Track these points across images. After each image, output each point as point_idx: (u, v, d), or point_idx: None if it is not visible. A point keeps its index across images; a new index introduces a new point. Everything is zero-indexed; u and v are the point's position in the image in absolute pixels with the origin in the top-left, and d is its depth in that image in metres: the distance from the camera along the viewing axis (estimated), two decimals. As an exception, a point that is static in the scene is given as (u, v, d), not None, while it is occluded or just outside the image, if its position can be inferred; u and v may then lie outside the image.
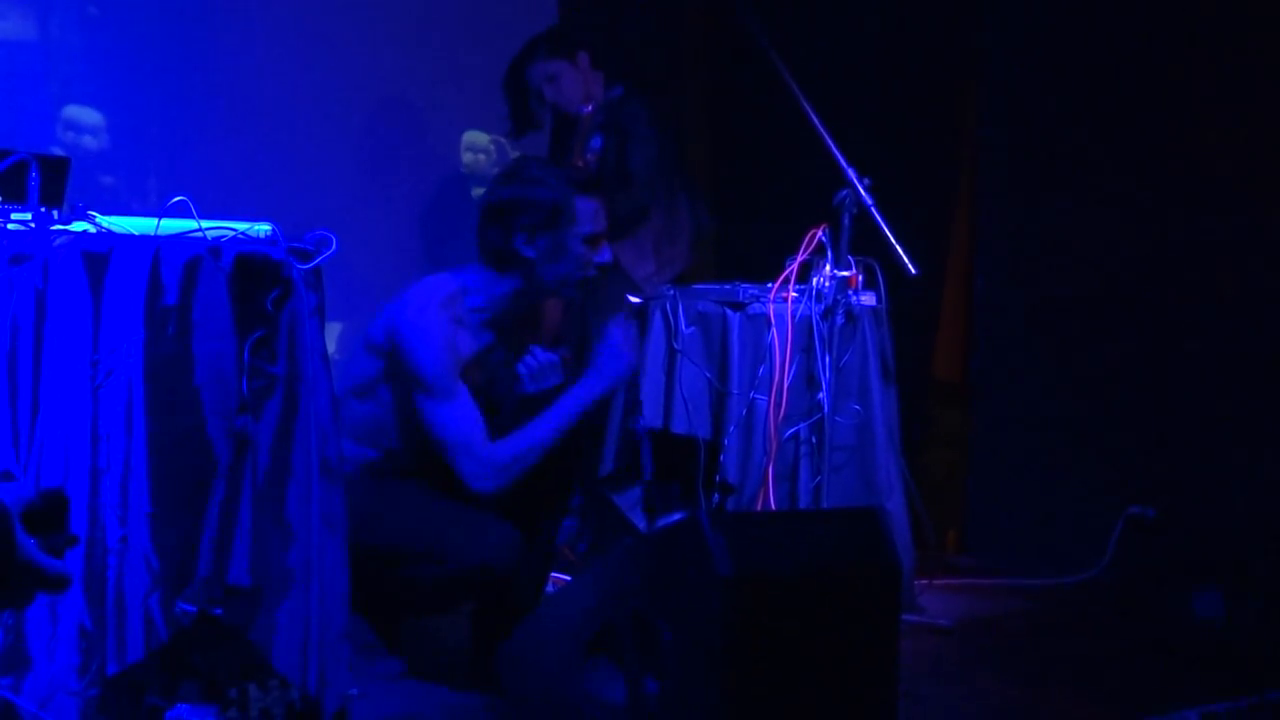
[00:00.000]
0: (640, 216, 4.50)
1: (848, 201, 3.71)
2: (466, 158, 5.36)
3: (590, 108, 4.59)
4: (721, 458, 3.74)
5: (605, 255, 3.34)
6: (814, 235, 3.71)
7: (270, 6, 4.91)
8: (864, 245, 3.76)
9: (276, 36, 4.88)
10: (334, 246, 2.58)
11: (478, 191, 5.20)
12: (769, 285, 3.78)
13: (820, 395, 3.73)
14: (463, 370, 3.27)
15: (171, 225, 2.52)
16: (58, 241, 2.40)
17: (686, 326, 3.85)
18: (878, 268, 3.80)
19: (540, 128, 4.75)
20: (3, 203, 2.49)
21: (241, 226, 2.56)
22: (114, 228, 2.51)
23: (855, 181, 3.71)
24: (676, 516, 3.72)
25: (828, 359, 3.72)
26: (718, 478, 3.72)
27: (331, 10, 5.01)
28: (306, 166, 4.91)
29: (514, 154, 5.05)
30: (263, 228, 2.58)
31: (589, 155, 4.56)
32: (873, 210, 3.68)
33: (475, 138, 5.35)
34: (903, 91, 5.06)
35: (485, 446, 3.20)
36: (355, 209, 4.96)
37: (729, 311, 3.81)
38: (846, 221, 3.72)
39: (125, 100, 4.63)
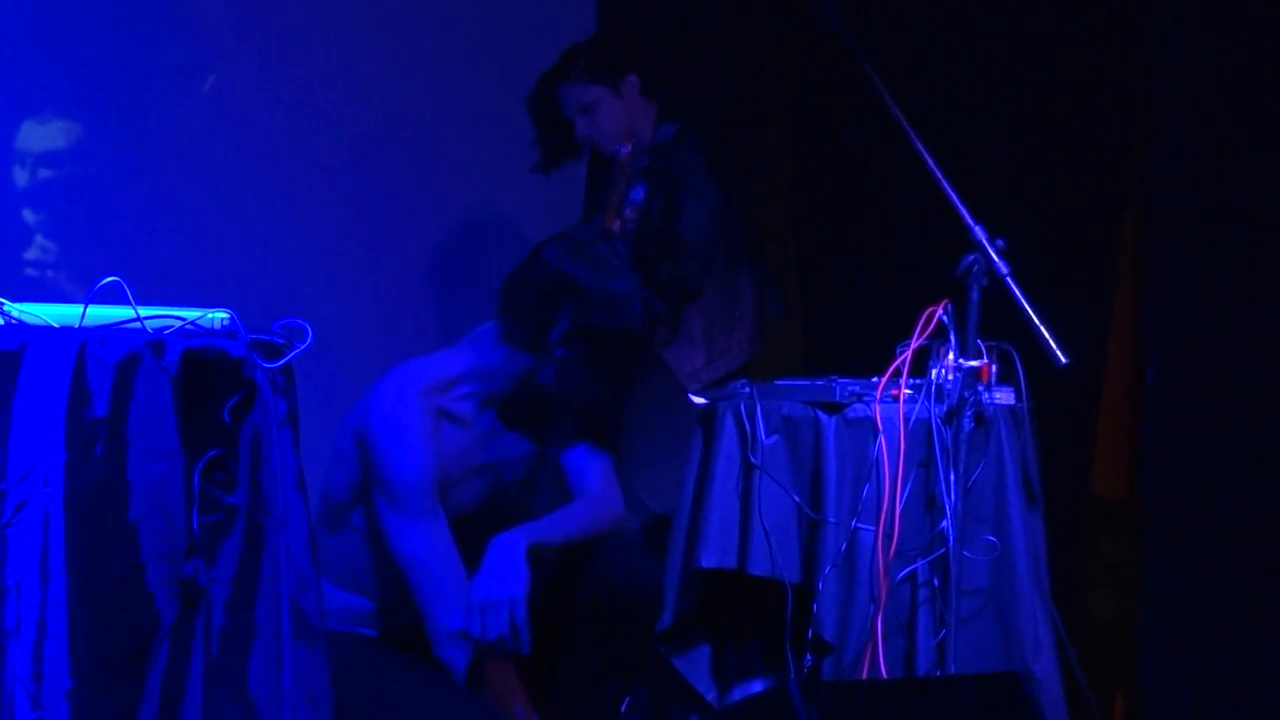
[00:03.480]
0: (688, 294, 4.50)
1: (976, 269, 3.71)
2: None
3: (632, 148, 4.60)
4: (815, 607, 3.72)
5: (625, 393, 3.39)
6: (932, 314, 3.71)
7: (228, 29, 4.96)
8: (997, 327, 3.76)
9: (234, 66, 4.93)
10: (309, 338, 2.60)
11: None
12: (874, 380, 3.78)
13: (944, 524, 3.71)
14: (454, 479, 3.28)
15: (101, 314, 2.55)
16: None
17: (768, 436, 3.85)
18: (1016, 355, 3.79)
19: (579, 157, 4.77)
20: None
21: (191, 315, 2.60)
22: (27, 318, 2.54)
23: (985, 243, 3.71)
24: (757, 686, 3.73)
25: (953, 476, 3.70)
26: (810, 634, 3.70)
27: (301, 29, 5.05)
28: (273, 235, 4.94)
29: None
30: (218, 315, 2.61)
31: (627, 210, 4.57)
32: (1009, 280, 3.68)
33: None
34: (1044, 127, 5.07)
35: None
36: (337, 288, 4.99)
37: (822, 415, 3.80)
38: (975, 296, 3.71)
39: (47, 157, 4.69)
